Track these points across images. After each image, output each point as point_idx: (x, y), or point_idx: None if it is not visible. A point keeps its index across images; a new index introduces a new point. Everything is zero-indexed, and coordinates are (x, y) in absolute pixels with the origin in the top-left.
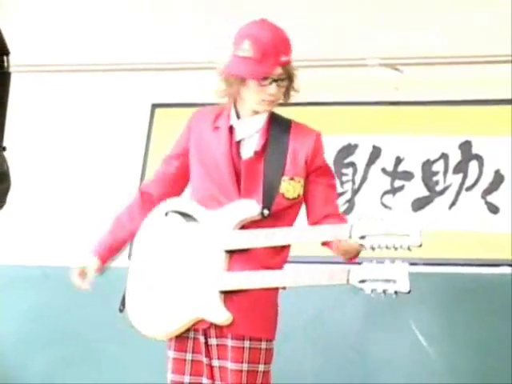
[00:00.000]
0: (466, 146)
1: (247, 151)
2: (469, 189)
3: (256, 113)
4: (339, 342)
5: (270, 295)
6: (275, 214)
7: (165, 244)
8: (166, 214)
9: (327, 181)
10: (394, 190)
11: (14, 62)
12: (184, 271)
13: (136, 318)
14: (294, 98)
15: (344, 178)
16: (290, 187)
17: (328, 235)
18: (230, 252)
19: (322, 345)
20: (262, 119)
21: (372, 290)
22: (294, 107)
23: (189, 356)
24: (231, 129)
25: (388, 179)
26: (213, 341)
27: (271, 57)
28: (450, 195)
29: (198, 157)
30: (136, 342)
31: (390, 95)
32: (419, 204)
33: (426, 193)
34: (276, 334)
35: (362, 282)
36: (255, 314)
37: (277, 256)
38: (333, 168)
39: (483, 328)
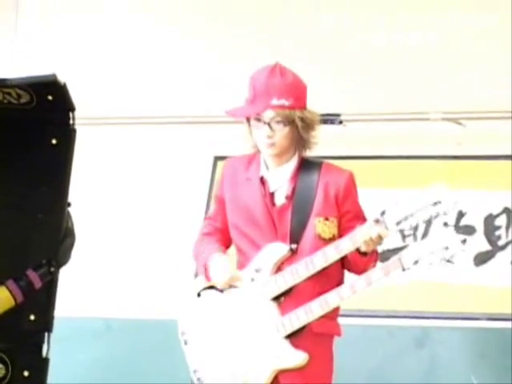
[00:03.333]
0: None
1: (279, 199)
2: None
3: (281, 162)
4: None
5: (325, 345)
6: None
7: (213, 321)
8: (199, 295)
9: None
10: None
11: (78, 115)
12: (244, 336)
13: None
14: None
15: (406, 232)
16: (325, 228)
17: (367, 233)
18: (278, 298)
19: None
20: (290, 168)
21: (430, 264)
22: (357, 160)
23: None
24: (262, 179)
25: (450, 232)
26: None
27: (261, 99)
28: None
29: (233, 207)
30: None
31: (453, 149)
32: (481, 258)
33: (488, 247)
34: None
35: (416, 263)
36: (310, 363)
37: (327, 283)
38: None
39: None
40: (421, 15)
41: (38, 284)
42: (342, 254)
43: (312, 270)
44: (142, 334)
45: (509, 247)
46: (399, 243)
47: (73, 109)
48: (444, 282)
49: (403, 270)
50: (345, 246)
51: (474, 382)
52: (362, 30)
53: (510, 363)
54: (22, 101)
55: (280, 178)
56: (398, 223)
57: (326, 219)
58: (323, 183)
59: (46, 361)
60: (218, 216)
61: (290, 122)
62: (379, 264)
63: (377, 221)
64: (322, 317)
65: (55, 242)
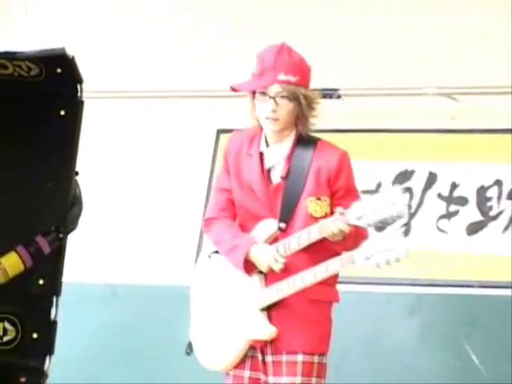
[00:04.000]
0: None
1: (276, 177)
2: None
3: (281, 138)
4: (395, 360)
5: (322, 311)
6: None
7: (211, 283)
8: (209, 257)
9: (350, 202)
10: (449, 215)
11: (86, 88)
12: (229, 303)
13: (201, 357)
14: (325, 124)
15: (401, 202)
16: (317, 207)
17: (328, 227)
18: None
19: (378, 363)
20: (287, 146)
21: (377, 264)
22: (354, 133)
23: (247, 373)
24: (261, 155)
25: (444, 204)
26: (269, 358)
27: (269, 73)
28: (503, 220)
29: (236, 181)
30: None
31: (446, 123)
32: (473, 228)
33: (480, 218)
34: (333, 351)
35: (367, 259)
36: (307, 329)
37: (316, 258)
38: (393, 191)
39: None
40: None
41: (46, 249)
42: (313, 241)
43: (288, 252)
44: (147, 299)
45: (500, 217)
46: None
47: (81, 81)
48: (438, 250)
49: (353, 263)
50: (314, 235)
51: (467, 347)
52: (361, 10)
53: (500, 329)
54: (32, 73)
55: (277, 154)
56: (359, 218)
57: (318, 199)
58: (316, 163)
59: (54, 324)
60: (231, 187)
61: (294, 98)
62: (337, 257)
63: (341, 213)
64: (321, 283)
65: (63, 209)
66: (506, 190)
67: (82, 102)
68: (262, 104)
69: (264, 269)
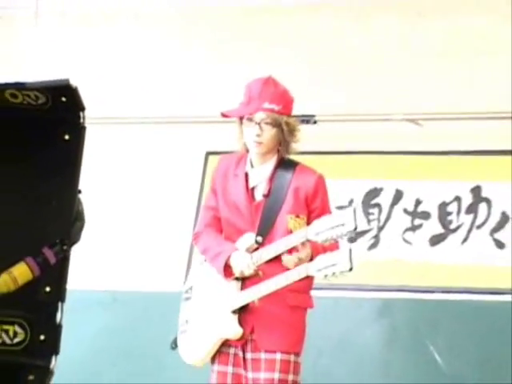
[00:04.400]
0: (476, 191)
1: (258, 195)
2: (479, 227)
3: (264, 160)
4: (366, 358)
5: (299, 316)
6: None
7: (198, 286)
8: (201, 264)
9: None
10: (413, 228)
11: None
12: (208, 305)
13: (182, 351)
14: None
15: (371, 217)
16: (296, 224)
17: (292, 242)
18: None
19: (350, 361)
20: (269, 167)
21: (325, 276)
22: (329, 155)
23: (230, 369)
24: (246, 175)
25: (409, 218)
26: (249, 355)
27: (255, 102)
28: (462, 232)
29: (223, 198)
30: None
31: (412, 146)
32: (435, 240)
33: (441, 230)
34: (310, 349)
35: (319, 270)
36: (285, 332)
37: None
38: (361, 208)
39: (487, 346)
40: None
41: (52, 260)
42: (280, 253)
43: (260, 262)
44: (144, 304)
45: (459, 230)
46: (365, 227)
47: (83, 109)
48: (404, 259)
49: (307, 275)
50: (281, 248)
51: (431, 347)
52: (337, 41)
53: (461, 330)
54: (39, 102)
55: (260, 175)
56: (316, 234)
57: (297, 216)
58: (295, 183)
59: (59, 327)
60: (211, 221)
61: (277, 124)
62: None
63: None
64: (297, 291)
65: (67, 224)
66: (464, 206)
67: (84, 128)
68: (249, 129)
69: (237, 274)
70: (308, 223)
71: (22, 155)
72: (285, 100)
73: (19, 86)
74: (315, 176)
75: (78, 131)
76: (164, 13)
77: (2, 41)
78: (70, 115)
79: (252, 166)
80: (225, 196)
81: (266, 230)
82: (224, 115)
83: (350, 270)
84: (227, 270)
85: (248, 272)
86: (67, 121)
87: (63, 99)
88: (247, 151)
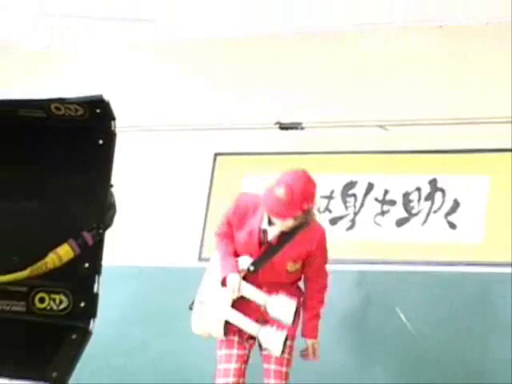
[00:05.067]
0: (433, 182)
1: (270, 237)
2: (435, 212)
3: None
4: (345, 322)
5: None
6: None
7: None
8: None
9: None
10: (382, 213)
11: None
12: (217, 291)
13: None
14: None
15: (348, 204)
16: (293, 266)
17: (257, 298)
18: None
19: (334, 322)
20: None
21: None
22: (314, 154)
23: (235, 338)
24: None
25: (379, 205)
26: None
27: (297, 205)
28: (422, 216)
29: (239, 228)
30: None
31: (381, 147)
32: (400, 222)
33: (405, 214)
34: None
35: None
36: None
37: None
38: (340, 198)
39: (445, 309)
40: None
41: (90, 241)
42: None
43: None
44: (164, 277)
45: (419, 214)
46: (344, 212)
47: (114, 119)
48: (375, 238)
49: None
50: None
51: (401, 315)
52: (323, 55)
53: (426, 297)
54: (78, 113)
55: (274, 234)
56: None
57: (295, 262)
58: (302, 237)
59: (96, 295)
60: (228, 231)
61: (306, 215)
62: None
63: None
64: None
65: (102, 212)
66: (423, 195)
67: (115, 134)
68: (280, 221)
69: (228, 291)
70: (304, 265)
71: (65, 157)
72: (313, 197)
73: (62, 101)
74: (320, 232)
75: (110, 137)
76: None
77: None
78: (103, 124)
79: (269, 224)
80: (241, 226)
81: (261, 265)
82: (273, 213)
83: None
84: (224, 283)
85: (233, 297)
86: (101, 129)
87: (98, 111)
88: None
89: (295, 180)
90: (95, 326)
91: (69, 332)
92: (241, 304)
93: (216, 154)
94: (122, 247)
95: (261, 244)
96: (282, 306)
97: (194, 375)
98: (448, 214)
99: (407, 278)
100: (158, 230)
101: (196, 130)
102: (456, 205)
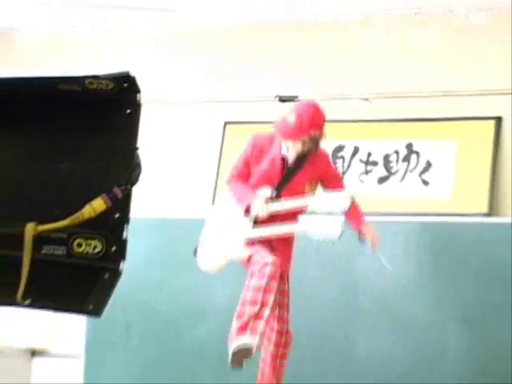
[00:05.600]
0: (409, 146)
1: (289, 161)
2: (411, 171)
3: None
4: (336, 261)
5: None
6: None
7: (219, 214)
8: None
9: (335, 176)
10: (366, 172)
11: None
12: (227, 230)
13: (199, 259)
14: None
15: (337, 165)
16: (310, 188)
17: (298, 203)
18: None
19: (322, 263)
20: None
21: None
22: None
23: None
24: (283, 157)
25: (363, 166)
26: None
27: (305, 129)
28: (400, 175)
29: (258, 161)
30: None
31: (365, 116)
32: (381, 180)
33: (385, 173)
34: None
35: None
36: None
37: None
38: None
39: (420, 253)
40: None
41: (120, 195)
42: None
43: (272, 209)
44: (181, 227)
45: (397, 173)
46: None
47: (139, 91)
48: (360, 194)
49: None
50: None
51: (380, 255)
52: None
53: (401, 243)
54: (109, 87)
55: (292, 154)
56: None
57: (311, 183)
58: (313, 160)
59: (125, 241)
60: (244, 170)
61: (314, 141)
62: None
63: None
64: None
65: (130, 170)
66: (401, 156)
67: (140, 105)
68: (293, 143)
69: (253, 212)
70: (323, 185)
71: (98, 124)
72: (323, 126)
73: (95, 77)
74: (326, 155)
75: (136, 107)
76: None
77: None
78: (130, 96)
79: (287, 150)
80: (258, 169)
81: (282, 188)
82: (283, 135)
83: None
84: (247, 211)
85: (261, 214)
86: (128, 100)
87: (125, 85)
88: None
89: (305, 109)
90: (124, 267)
91: (102, 272)
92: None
93: (226, 123)
94: (146, 201)
95: (282, 170)
96: (326, 223)
97: (207, 308)
98: (422, 172)
99: (387, 227)
100: (176, 187)
101: (209, 103)
102: (428, 165)
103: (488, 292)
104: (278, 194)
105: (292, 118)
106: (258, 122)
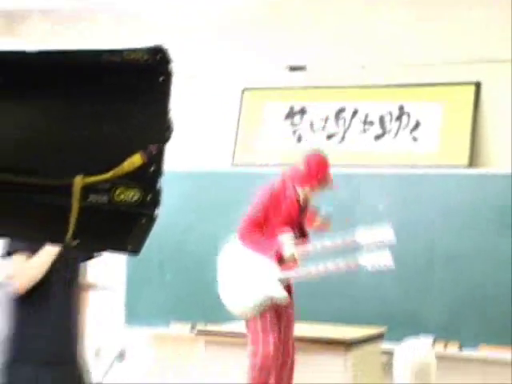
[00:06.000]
0: (401, 108)
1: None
2: (403, 129)
3: None
4: (337, 208)
5: None
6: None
7: (238, 260)
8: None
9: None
10: (364, 130)
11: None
12: (255, 273)
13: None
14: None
15: (339, 124)
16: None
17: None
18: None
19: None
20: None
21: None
22: (315, 89)
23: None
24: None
25: (362, 125)
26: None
27: (313, 176)
28: (393, 132)
29: (277, 207)
30: None
31: (361, 82)
32: (377, 137)
33: (381, 131)
34: None
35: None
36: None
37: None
38: (333, 120)
39: (406, 199)
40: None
41: (154, 152)
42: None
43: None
44: (206, 178)
45: (391, 131)
46: (336, 130)
47: (171, 62)
48: (359, 149)
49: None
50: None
51: (379, 205)
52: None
53: (396, 193)
54: (144, 58)
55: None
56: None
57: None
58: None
59: (160, 190)
60: (260, 219)
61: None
62: None
63: None
64: None
65: (163, 130)
66: (394, 116)
67: (171, 73)
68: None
69: (287, 254)
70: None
71: (136, 91)
72: (329, 177)
73: (133, 49)
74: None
75: (168, 76)
76: None
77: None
78: (163, 66)
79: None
80: (277, 210)
81: (302, 233)
82: (296, 182)
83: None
84: (278, 256)
85: (296, 256)
86: (161, 70)
87: (159, 56)
88: (287, 178)
89: (313, 159)
90: (158, 213)
91: (139, 217)
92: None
93: (244, 89)
94: (177, 157)
95: (299, 211)
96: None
97: None
98: (412, 130)
99: (382, 178)
100: (201, 144)
101: (229, 71)
102: (417, 124)
103: (470, 232)
104: (300, 235)
105: (302, 166)
106: (271, 88)
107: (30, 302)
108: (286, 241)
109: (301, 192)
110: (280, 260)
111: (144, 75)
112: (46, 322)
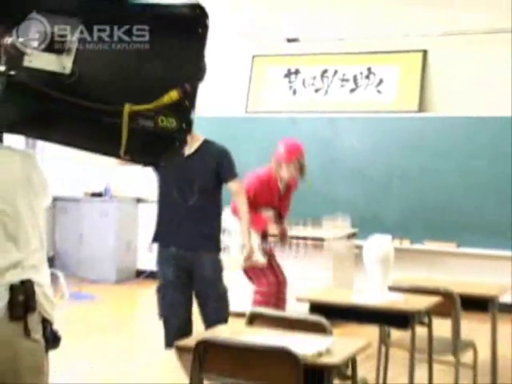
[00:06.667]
0: (369, 69)
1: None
2: (370, 84)
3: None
4: (321, 145)
5: None
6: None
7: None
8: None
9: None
10: (342, 86)
11: None
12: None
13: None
14: None
15: (324, 81)
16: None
17: None
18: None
19: (315, 147)
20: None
21: None
22: (308, 55)
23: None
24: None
25: (340, 82)
26: None
27: (293, 155)
28: (363, 87)
29: (262, 194)
30: None
31: (342, 49)
32: (352, 91)
33: (354, 86)
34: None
35: None
36: None
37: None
38: (319, 78)
39: (375, 139)
40: None
41: (189, 89)
42: None
43: None
44: (223, 123)
45: (362, 86)
46: (322, 86)
47: (207, 16)
48: (338, 99)
49: None
50: None
51: (355, 142)
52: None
53: (365, 132)
54: (185, 12)
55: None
56: None
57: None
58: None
59: (191, 121)
60: (250, 194)
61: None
62: None
63: None
64: None
65: (197, 71)
66: (363, 75)
67: (207, 26)
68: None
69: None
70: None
71: (179, 38)
72: (303, 155)
73: (177, 5)
74: (295, 181)
75: (205, 28)
76: None
77: None
78: (200, 19)
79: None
80: (263, 194)
81: (280, 209)
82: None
83: None
84: (262, 231)
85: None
86: (199, 22)
87: (197, 11)
88: (275, 174)
89: (289, 141)
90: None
91: (174, 140)
92: None
93: (254, 56)
94: (203, 105)
95: (279, 194)
96: None
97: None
98: (377, 85)
99: (355, 121)
100: (222, 96)
101: (243, 42)
102: (381, 81)
103: (418, 159)
104: (279, 213)
105: (282, 149)
106: (274, 55)
107: None
108: (268, 220)
109: (284, 171)
110: (264, 233)
111: (185, 26)
112: None
